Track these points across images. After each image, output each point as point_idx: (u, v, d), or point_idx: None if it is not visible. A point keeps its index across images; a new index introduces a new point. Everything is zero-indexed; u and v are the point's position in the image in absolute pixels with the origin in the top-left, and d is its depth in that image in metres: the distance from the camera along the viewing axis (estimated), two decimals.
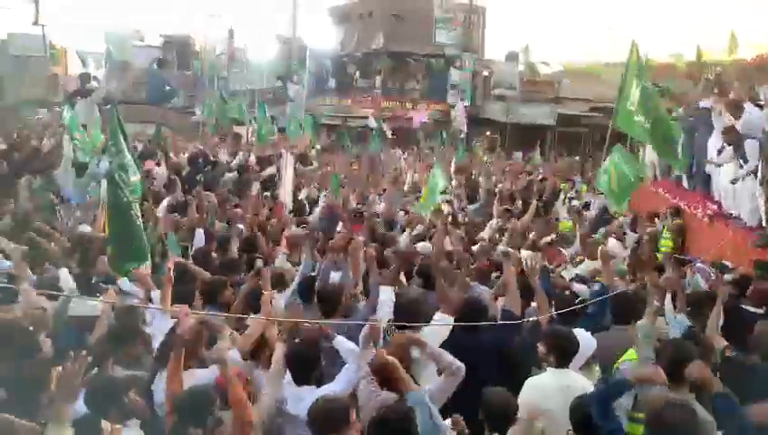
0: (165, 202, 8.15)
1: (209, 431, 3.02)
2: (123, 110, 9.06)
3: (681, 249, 8.32)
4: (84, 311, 4.30)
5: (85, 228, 6.67)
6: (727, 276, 5.59)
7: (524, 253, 6.29)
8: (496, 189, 11.04)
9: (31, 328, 3.70)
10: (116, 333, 3.99)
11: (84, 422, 2.89)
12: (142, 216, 6.98)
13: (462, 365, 3.53)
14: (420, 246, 7.02)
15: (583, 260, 7.06)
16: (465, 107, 28.24)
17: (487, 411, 3.23)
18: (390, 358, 3.15)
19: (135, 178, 6.07)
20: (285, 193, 8.80)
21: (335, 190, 9.83)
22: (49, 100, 25.16)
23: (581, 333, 3.96)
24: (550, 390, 3.54)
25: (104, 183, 7.01)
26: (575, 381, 3.60)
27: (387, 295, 4.59)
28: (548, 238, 7.85)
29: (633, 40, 7.07)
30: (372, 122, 23.48)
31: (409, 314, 4.13)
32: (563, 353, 3.67)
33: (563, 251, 7.66)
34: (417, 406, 2.93)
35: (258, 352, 3.90)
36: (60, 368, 2.80)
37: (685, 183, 10.36)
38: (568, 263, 7.28)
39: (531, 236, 7.50)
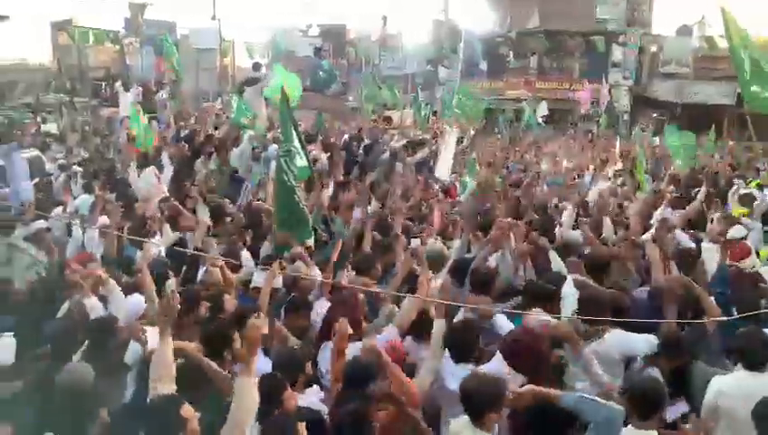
0: (331, 185, 8.53)
1: (372, 399, 3.14)
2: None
3: None
4: (259, 282, 4.66)
5: (261, 206, 7.21)
6: None
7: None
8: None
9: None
10: (287, 305, 4.31)
11: (270, 377, 3.15)
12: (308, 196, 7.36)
13: (606, 383, 3.45)
14: (573, 235, 6.64)
15: None
16: (629, 87, 26.35)
17: (633, 397, 3.07)
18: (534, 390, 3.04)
19: (302, 162, 6.42)
20: (444, 172, 8.74)
21: (473, 174, 9.71)
22: (221, 89, 27.53)
23: None
24: (732, 391, 3.37)
25: (273, 165, 7.53)
26: None
27: (570, 286, 4.45)
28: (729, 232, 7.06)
29: (722, 8, 6.39)
30: (536, 105, 22.66)
31: (597, 310, 3.93)
32: (750, 355, 3.44)
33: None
34: (577, 404, 2.91)
35: (419, 328, 3.98)
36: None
37: None
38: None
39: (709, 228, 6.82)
